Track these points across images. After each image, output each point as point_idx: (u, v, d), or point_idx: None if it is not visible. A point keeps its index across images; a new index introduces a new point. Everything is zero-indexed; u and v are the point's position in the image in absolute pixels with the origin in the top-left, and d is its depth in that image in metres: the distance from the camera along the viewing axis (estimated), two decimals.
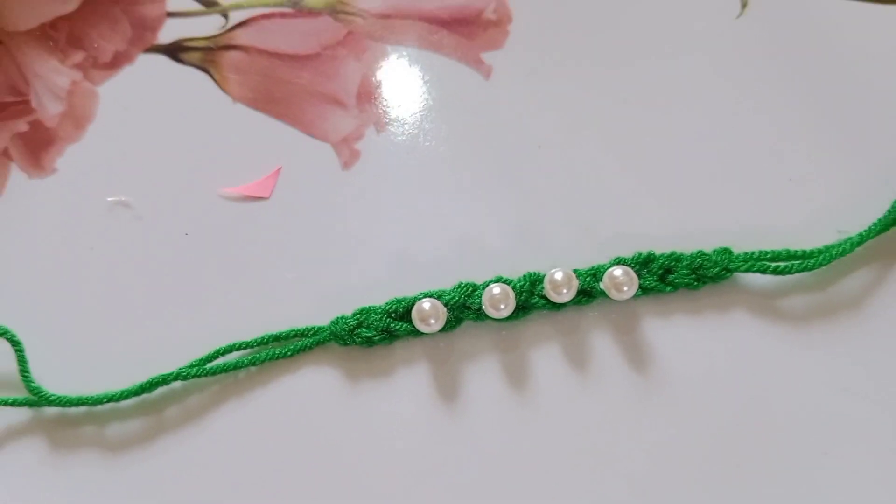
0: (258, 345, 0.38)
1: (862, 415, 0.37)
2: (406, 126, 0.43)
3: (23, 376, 0.38)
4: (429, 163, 0.42)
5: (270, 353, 0.38)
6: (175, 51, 0.45)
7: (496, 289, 0.38)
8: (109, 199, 0.42)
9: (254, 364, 0.38)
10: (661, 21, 0.45)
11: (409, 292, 0.39)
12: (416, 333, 0.38)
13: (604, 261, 0.39)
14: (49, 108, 0.44)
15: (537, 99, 0.43)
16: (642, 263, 0.39)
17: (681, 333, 0.39)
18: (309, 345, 0.38)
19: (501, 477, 0.37)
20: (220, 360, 0.38)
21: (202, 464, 0.37)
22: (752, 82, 0.43)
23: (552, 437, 0.37)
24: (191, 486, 0.37)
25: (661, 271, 0.39)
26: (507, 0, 0.45)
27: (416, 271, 0.40)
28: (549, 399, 0.38)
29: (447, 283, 0.39)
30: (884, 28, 0.44)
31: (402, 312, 0.38)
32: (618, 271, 0.38)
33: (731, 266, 0.39)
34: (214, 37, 0.45)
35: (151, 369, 0.38)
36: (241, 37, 0.45)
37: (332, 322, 0.38)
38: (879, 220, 0.39)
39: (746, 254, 0.39)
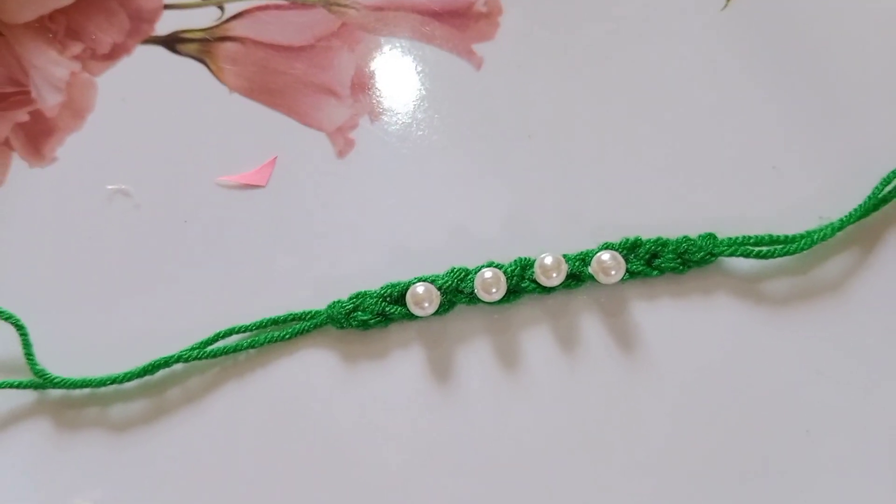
0: (257, 328, 0.39)
1: (842, 394, 0.38)
2: (399, 116, 0.43)
3: (28, 359, 0.38)
4: (422, 152, 0.42)
5: (269, 336, 0.39)
6: (172, 42, 0.45)
7: (488, 273, 0.38)
8: (109, 187, 0.42)
9: (253, 347, 0.39)
10: (648, 13, 0.45)
11: (403, 278, 0.39)
12: (411, 317, 0.39)
13: (592, 246, 0.39)
14: (49, 99, 0.44)
15: (528, 89, 0.43)
16: (629, 248, 0.39)
17: (667, 316, 0.39)
18: (306, 328, 0.39)
19: (493, 454, 0.37)
20: (220, 343, 0.39)
21: (203, 443, 0.38)
22: (736, 73, 0.43)
23: (542, 415, 0.38)
24: (192, 465, 0.37)
25: (647, 256, 0.39)
26: None
27: (409, 257, 0.40)
28: (539, 379, 0.38)
29: (440, 269, 0.39)
30: (863, 19, 0.44)
31: (396, 296, 0.39)
32: (606, 256, 0.38)
33: (716, 251, 0.39)
34: (211, 28, 0.45)
35: (153, 352, 0.38)
36: (236, 28, 0.45)
37: (329, 306, 0.39)
38: (859, 206, 0.40)
39: (730, 239, 0.39)
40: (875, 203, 0.40)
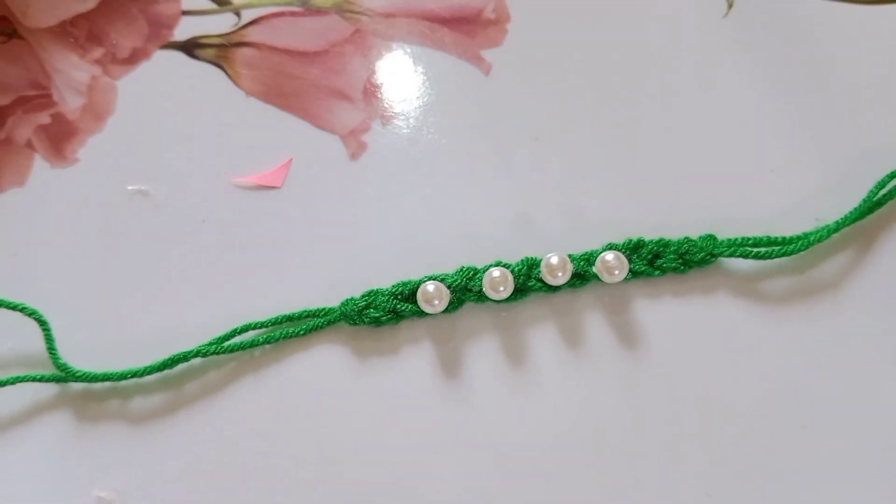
0: (272, 324, 0.39)
1: (837, 390, 0.38)
2: (410, 119, 0.43)
3: (50, 354, 0.38)
4: (432, 154, 0.43)
5: (284, 332, 0.39)
6: (190, 47, 0.45)
7: (496, 272, 0.38)
8: (130, 187, 0.42)
9: (268, 342, 0.39)
10: (651, 21, 0.45)
11: (413, 276, 0.40)
12: (421, 314, 0.39)
13: (596, 246, 0.40)
14: (70, 102, 0.44)
15: (534, 94, 0.44)
16: (632, 249, 0.39)
17: (668, 314, 0.39)
18: (320, 324, 0.39)
19: (500, 446, 0.38)
20: (236, 339, 0.39)
21: (220, 435, 0.38)
22: (736, 79, 0.44)
23: (548, 409, 0.38)
24: (209, 457, 0.38)
25: (650, 256, 0.39)
26: (506, 0, 0.45)
27: (420, 256, 0.40)
28: (545, 375, 0.39)
29: (449, 268, 0.40)
30: (859, 27, 0.44)
31: (407, 294, 0.39)
32: (609, 256, 0.39)
33: (716, 251, 0.39)
34: (227, 34, 0.45)
35: (172, 347, 0.39)
36: (252, 34, 0.45)
37: (342, 303, 0.39)
38: (855, 209, 0.40)
39: (730, 240, 0.40)
40: (870, 206, 0.40)
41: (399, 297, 0.39)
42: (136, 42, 0.45)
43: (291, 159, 0.43)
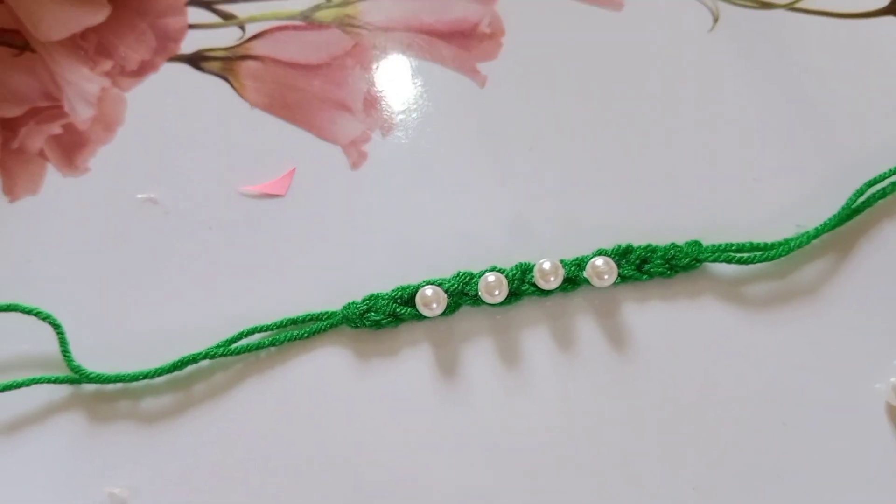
0: (277, 327, 0.39)
1: (816, 389, 0.38)
2: (409, 130, 0.44)
3: (65, 356, 0.39)
4: (430, 163, 0.43)
5: (288, 334, 0.39)
6: (196, 60, 0.46)
7: (491, 277, 0.39)
8: (139, 196, 0.42)
9: (273, 345, 0.39)
10: (640, 36, 0.46)
11: (412, 281, 0.40)
12: (420, 317, 0.39)
13: (587, 252, 0.40)
14: (81, 113, 0.44)
15: (528, 106, 0.44)
16: (621, 254, 0.40)
17: (656, 317, 0.40)
18: (323, 327, 0.39)
19: (495, 444, 0.38)
20: (243, 342, 0.39)
21: (227, 434, 0.38)
22: (721, 91, 0.44)
23: (541, 408, 0.38)
24: (217, 455, 0.38)
25: (638, 261, 0.40)
26: (501, 15, 0.46)
27: (418, 262, 0.41)
28: (539, 375, 0.39)
29: (447, 273, 0.40)
30: (839, 41, 0.45)
31: (406, 298, 0.39)
32: (599, 261, 0.39)
33: (701, 257, 0.40)
34: (232, 47, 0.46)
35: (181, 349, 0.39)
36: (257, 47, 0.46)
37: (344, 307, 0.39)
38: (833, 216, 0.40)
39: (715, 246, 0.40)
40: (848, 213, 0.40)
41: (398, 300, 0.39)
42: (144, 55, 0.46)
43: (295, 168, 0.43)
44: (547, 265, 0.39)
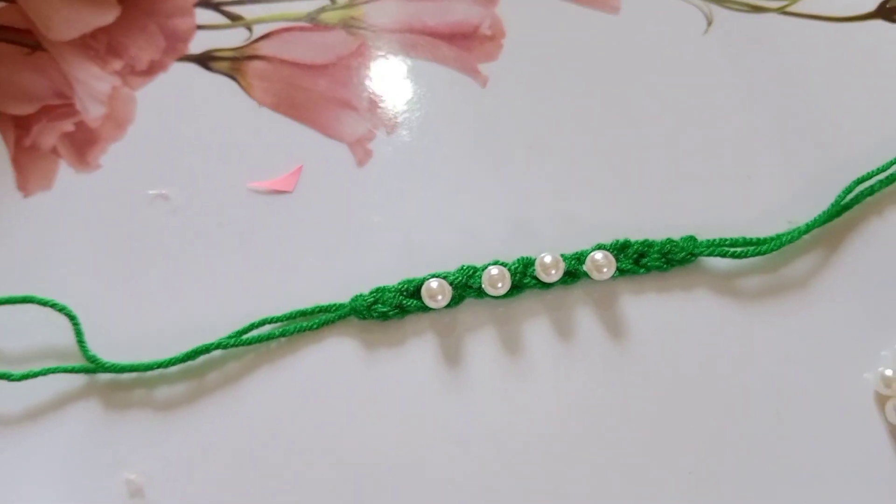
0: (287, 319, 0.40)
1: (807, 378, 0.39)
2: (412, 128, 0.44)
3: (80, 347, 0.39)
4: (433, 161, 0.43)
5: (298, 326, 0.40)
6: (205, 60, 0.46)
7: (494, 270, 0.39)
8: (150, 192, 0.43)
9: (284, 335, 0.40)
10: (636, 37, 0.46)
11: (416, 274, 0.40)
12: (425, 309, 0.40)
13: (586, 247, 0.41)
14: (92, 111, 0.45)
15: (528, 105, 0.45)
16: (619, 249, 0.40)
17: (652, 309, 0.40)
18: (331, 319, 0.40)
19: (497, 430, 0.38)
20: (254, 332, 0.39)
21: (239, 422, 0.39)
22: (715, 92, 0.44)
23: (541, 396, 0.39)
24: (229, 442, 0.38)
25: (635, 256, 0.40)
26: (501, 18, 0.46)
27: (423, 256, 0.41)
28: (539, 364, 0.39)
29: (451, 267, 0.40)
30: (828, 43, 0.46)
31: (412, 291, 0.40)
32: (598, 255, 0.40)
33: (696, 251, 0.40)
34: (240, 48, 0.46)
35: (194, 340, 0.39)
36: (264, 48, 0.46)
37: (352, 299, 0.40)
38: (823, 212, 0.41)
39: (709, 241, 0.40)
40: (838, 209, 0.41)
41: (405, 293, 0.40)
42: (153, 55, 0.46)
43: (302, 166, 0.43)
44: (548, 259, 0.39)
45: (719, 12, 0.47)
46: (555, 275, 0.40)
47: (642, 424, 0.39)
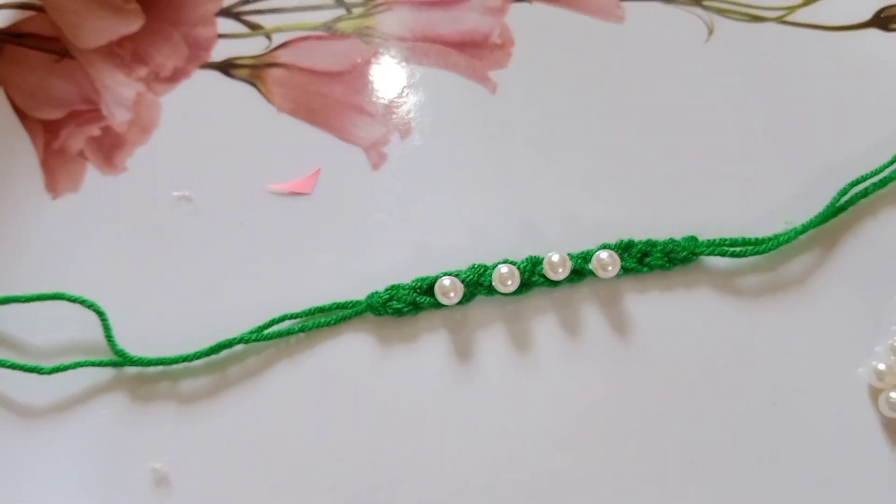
0: (306, 315, 0.40)
1: (804, 372, 0.40)
2: (425, 133, 0.45)
3: (109, 341, 0.40)
4: (445, 164, 0.44)
5: (316, 321, 0.40)
6: (226, 67, 0.47)
7: (504, 268, 0.40)
8: (174, 194, 0.43)
9: (303, 331, 0.40)
10: (641, 46, 0.46)
11: (429, 273, 0.41)
12: (438, 306, 0.40)
13: (592, 246, 0.41)
14: (118, 116, 0.45)
15: (536, 111, 0.45)
16: (624, 248, 0.41)
17: (655, 306, 0.41)
18: (348, 315, 0.40)
19: (507, 422, 0.39)
20: (274, 328, 0.40)
21: (260, 413, 0.39)
22: (716, 98, 0.45)
23: (549, 389, 0.40)
24: (250, 432, 0.39)
25: (639, 255, 0.41)
26: (510, 27, 0.47)
27: (435, 256, 0.42)
28: (547, 359, 0.40)
29: (462, 266, 0.41)
30: (824, 51, 0.46)
31: (425, 288, 0.40)
32: (604, 254, 0.40)
33: (697, 251, 0.41)
34: (260, 56, 0.47)
35: (217, 335, 0.40)
36: (282, 56, 0.47)
37: (368, 296, 0.40)
38: (819, 213, 0.41)
39: (710, 241, 0.41)
40: (833, 211, 0.41)
41: (418, 290, 0.41)
42: (176, 62, 0.47)
43: (320, 168, 0.44)
44: (556, 258, 0.40)
45: (720, 22, 0.47)
46: (562, 273, 0.40)
47: (646, 416, 0.39)
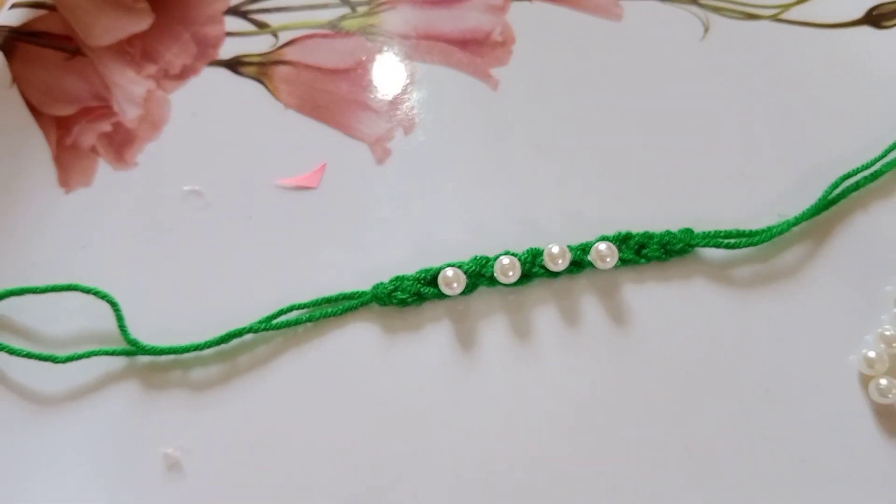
0: (313, 305, 0.41)
1: (796, 360, 0.40)
2: (428, 129, 0.45)
3: (122, 331, 0.40)
4: (447, 159, 0.44)
5: (323, 311, 0.41)
6: (234, 65, 0.47)
7: (505, 260, 0.40)
8: (184, 188, 0.44)
9: (310, 321, 0.41)
10: (638, 43, 0.47)
11: (432, 265, 0.41)
12: (441, 296, 0.41)
13: (591, 238, 0.41)
14: (128, 113, 0.46)
15: (537, 107, 0.45)
16: (622, 240, 0.41)
17: (652, 296, 0.41)
18: (354, 305, 0.41)
19: (508, 409, 0.40)
20: (283, 318, 0.41)
21: (269, 401, 0.40)
22: (711, 94, 0.45)
23: (549, 377, 0.40)
24: (259, 419, 0.40)
25: (636, 246, 0.41)
26: (512, 25, 0.47)
27: (438, 248, 0.42)
28: (547, 348, 0.40)
29: (465, 257, 0.41)
30: (818, 48, 0.46)
31: (429, 279, 0.41)
32: (602, 246, 0.41)
33: (693, 242, 0.41)
34: (267, 53, 0.47)
35: (227, 325, 0.41)
36: (289, 53, 0.47)
37: (373, 287, 0.41)
38: (812, 206, 0.42)
39: (705, 232, 0.41)
40: (825, 204, 0.42)
41: (422, 281, 0.41)
42: (185, 60, 0.47)
43: (326, 163, 0.45)
44: (556, 249, 0.41)
45: (715, 20, 0.48)
46: (562, 264, 0.40)
47: (643, 403, 0.40)
